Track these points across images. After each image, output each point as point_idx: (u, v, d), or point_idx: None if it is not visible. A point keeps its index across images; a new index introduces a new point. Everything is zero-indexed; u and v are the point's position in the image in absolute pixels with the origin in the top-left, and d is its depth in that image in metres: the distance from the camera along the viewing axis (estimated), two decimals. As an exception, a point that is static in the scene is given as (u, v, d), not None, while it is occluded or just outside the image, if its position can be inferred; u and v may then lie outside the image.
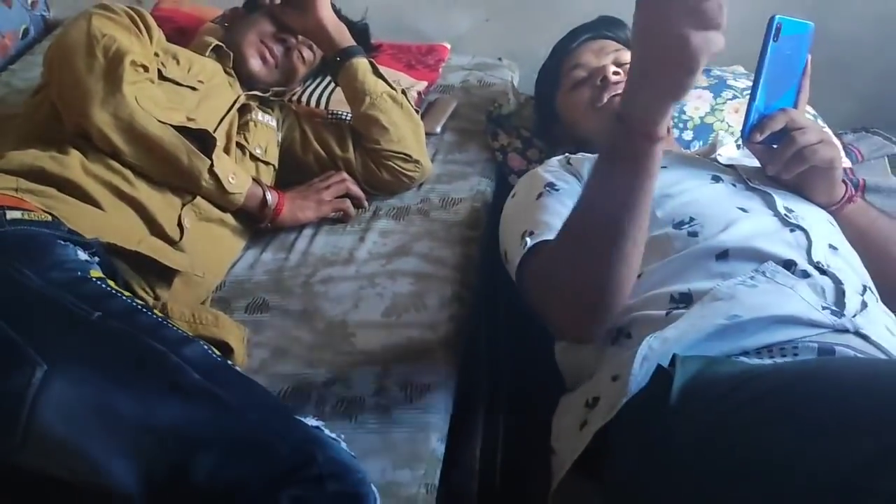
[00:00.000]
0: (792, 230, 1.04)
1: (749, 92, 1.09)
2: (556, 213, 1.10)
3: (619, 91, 1.32)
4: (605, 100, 1.33)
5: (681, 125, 1.63)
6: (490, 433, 1.18)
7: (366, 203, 1.45)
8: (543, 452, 0.99)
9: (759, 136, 1.09)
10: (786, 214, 1.07)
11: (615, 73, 1.35)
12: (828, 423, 0.67)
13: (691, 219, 1.05)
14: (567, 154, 1.28)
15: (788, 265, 0.97)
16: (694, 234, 1.03)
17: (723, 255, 0.99)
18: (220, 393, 0.85)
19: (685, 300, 0.96)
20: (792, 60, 1.08)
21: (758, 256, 0.98)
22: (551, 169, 1.24)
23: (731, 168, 1.20)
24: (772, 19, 1.04)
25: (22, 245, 0.93)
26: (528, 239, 1.06)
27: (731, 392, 0.76)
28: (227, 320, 1.14)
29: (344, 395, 1.09)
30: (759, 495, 0.69)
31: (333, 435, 0.88)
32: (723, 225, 1.03)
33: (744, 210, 1.07)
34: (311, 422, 0.89)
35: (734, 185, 1.14)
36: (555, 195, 1.15)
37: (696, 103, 1.67)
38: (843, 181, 1.16)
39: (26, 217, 0.97)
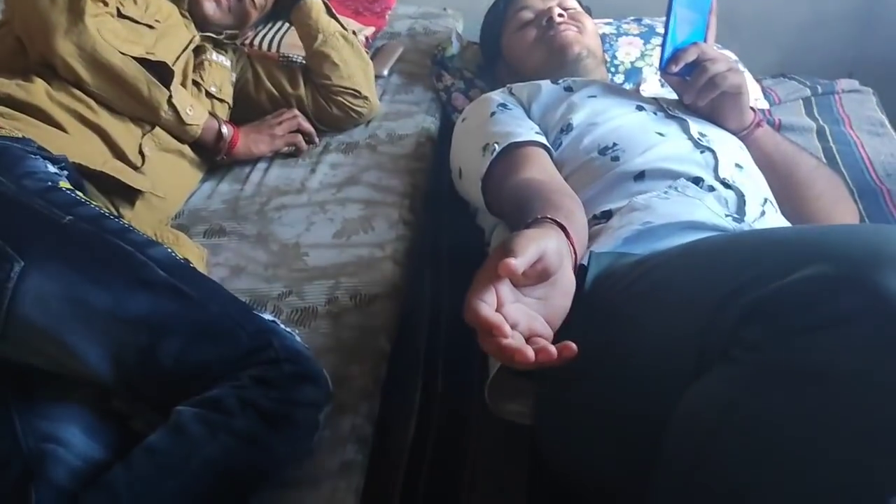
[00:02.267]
0: (702, 151, 1.15)
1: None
2: (516, 123, 1.19)
3: (564, 28, 1.44)
4: (550, 36, 1.43)
5: (612, 69, 1.74)
6: (433, 336, 1.28)
7: (316, 139, 1.54)
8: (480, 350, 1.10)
9: (675, 67, 1.21)
10: (699, 138, 1.18)
11: (560, 14, 1.46)
12: (694, 277, 0.76)
13: (614, 144, 1.15)
14: (508, 85, 1.37)
15: (697, 181, 1.08)
16: (616, 159, 1.13)
17: (640, 176, 1.10)
18: (184, 287, 0.94)
19: (606, 216, 1.06)
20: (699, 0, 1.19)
21: (670, 175, 1.09)
22: (498, 95, 1.32)
23: (654, 100, 1.31)
24: None
25: (-5, 156, 1.00)
26: (495, 145, 1.14)
27: (630, 271, 0.86)
28: (186, 240, 1.23)
29: (298, 305, 1.18)
30: (645, 355, 0.78)
31: (287, 329, 0.98)
32: (641, 149, 1.14)
33: (661, 135, 1.17)
34: (267, 316, 0.99)
35: (655, 114, 1.25)
36: (508, 112, 1.24)
37: (627, 49, 1.78)
38: (752, 108, 1.28)
39: (-2, 133, 1.04)
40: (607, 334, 0.85)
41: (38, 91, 1.18)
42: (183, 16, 1.49)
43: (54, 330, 0.90)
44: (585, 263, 0.91)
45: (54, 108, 1.19)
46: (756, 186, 1.15)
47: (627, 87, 1.70)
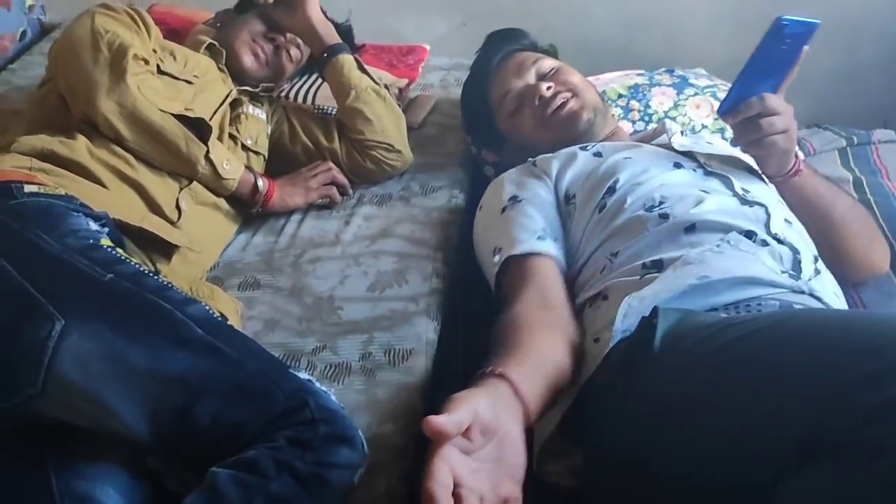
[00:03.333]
0: (751, 206, 1.14)
1: (720, 91, 1.17)
2: (521, 226, 1.20)
3: (561, 100, 1.38)
4: (551, 114, 1.39)
5: (646, 118, 1.74)
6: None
7: (350, 191, 1.55)
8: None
9: (732, 120, 1.17)
10: (743, 194, 1.17)
11: (548, 88, 1.40)
12: (798, 362, 0.73)
13: (661, 202, 1.15)
14: (530, 159, 1.36)
15: (750, 235, 1.07)
16: (664, 216, 1.12)
17: (690, 228, 1.09)
18: (222, 346, 0.94)
19: (656, 266, 1.05)
20: (786, 53, 1.12)
21: (722, 228, 1.08)
22: (513, 178, 1.32)
23: (688, 154, 1.31)
24: (777, 20, 1.07)
25: (40, 214, 1.02)
26: (497, 257, 1.17)
27: (709, 337, 0.84)
28: (222, 294, 1.24)
29: (332, 360, 1.18)
30: (735, 433, 0.74)
31: (323, 387, 0.98)
32: (690, 204, 1.13)
33: (706, 191, 1.17)
34: (303, 374, 0.99)
35: (694, 171, 1.24)
36: (517, 207, 1.24)
37: (660, 99, 1.78)
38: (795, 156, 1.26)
39: (42, 191, 1.06)
40: (683, 404, 0.82)
41: (80, 148, 1.21)
42: (220, 70, 1.52)
43: (92, 388, 0.90)
44: (654, 320, 0.90)
45: (95, 165, 1.21)
46: (805, 243, 1.14)
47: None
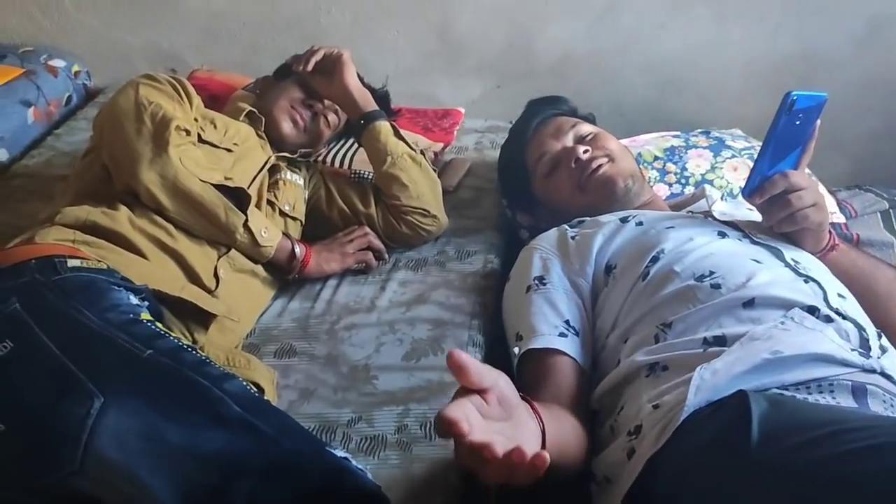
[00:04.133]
0: (806, 280, 1.12)
1: (756, 152, 1.17)
2: (543, 316, 1.20)
3: (597, 164, 1.39)
4: (587, 178, 1.39)
5: (683, 181, 1.73)
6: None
7: (386, 255, 1.55)
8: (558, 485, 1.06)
9: (758, 200, 1.19)
10: (795, 265, 1.15)
11: (585, 151, 1.41)
12: None
13: (711, 272, 1.13)
14: (567, 227, 1.35)
15: (812, 311, 1.05)
16: (717, 286, 1.10)
17: (749, 303, 1.07)
18: (258, 423, 0.94)
19: (719, 342, 1.03)
20: (800, 128, 1.14)
21: (783, 304, 1.06)
22: (546, 249, 1.30)
23: (731, 223, 1.29)
24: (787, 95, 1.09)
25: (82, 289, 1.03)
26: (517, 347, 1.17)
27: (816, 442, 0.80)
28: (258, 363, 1.23)
29: (367, 433, 1.17)
30: None
31: (360, 466, 0.97)
32: (744, 276, 1.11)
33: (757, 262, 1.15)
34: (340, 452, 0.97)
35: (740, 240, 1.23)
36: (541, 293, 1.23)
37: (697, 161, 1.77)
38: (829, 231, 1.25)
39: (85, 265, 1.07)
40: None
41: (121, 219, 1.23)
42: (259, 137, 1.54)
43: (129, 466, 0.90)
44: (746, 403, 0.87)
45: (136, 235, 1.22)
46: (864, 317, 1.11)
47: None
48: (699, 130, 1.90)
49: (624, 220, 1.31)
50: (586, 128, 1.48)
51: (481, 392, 0.73)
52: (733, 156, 1.78)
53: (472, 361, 0.71)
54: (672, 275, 1.15)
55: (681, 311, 1.10)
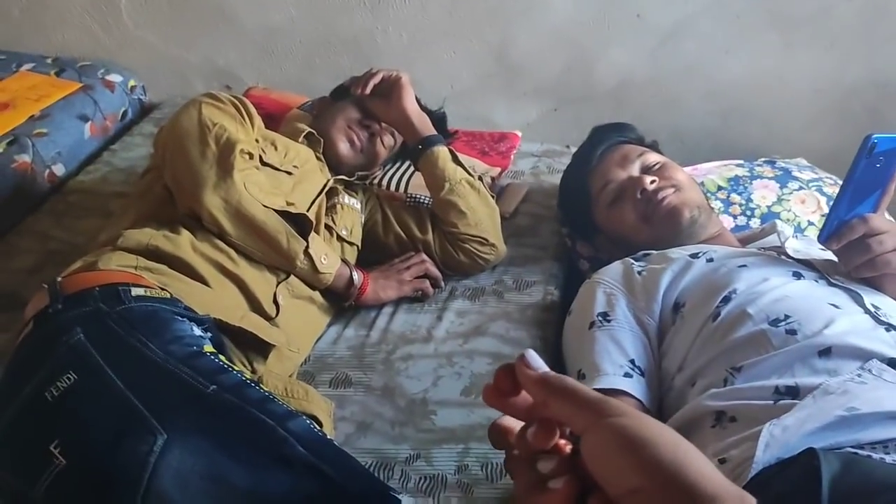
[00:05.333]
0: (887, 329, 1.06)
1: (824, 184, 1.13)
2: (607, 354, 1.16)
3: (663, 195, 1.36)
4: (653, 209, 1.36)
5: (748, 213, 1.67)
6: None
7: (443, 283, 1.52)
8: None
9: (836, 245, 1.14)
10: (875, 311, 1.10)
11: (652, 181, 1.38)
12: None
13: (787, 316, 1.08)
14: (633, 261, 1.31)
15: (893, 364, 0.99)
16: (793, 332, 1.05)
17: (825, 352, 1.02)
18: (323, 466, 0.91)
19: (791, 393, 0.98)
20: (881, 171, 1.11)
21: (861, 354, 1.00)
22: (610, 284, 1.27)
23: (807, 263, 1.24)
24: (867, 138, 1.06)
25: (146, 320, 1.01)
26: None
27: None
28: (316, 395, 1.20)
29: (426, 472, 1.14)
30: None
31: (424, 510, 0.93)
32: (821, 322, 1.06)
33: (836, 307, 1.09)
34: (406, 499, 0.94)
35: (816, 282, 1.17)
36: (606, 330, 1.20)
37: (762, 192, 1.71)
38: None
39: (148, 294, 1.05)
40: None
41: (184, 244, 1.21)
42: (318, 159, 1.52)
43: (191, 507, 0.87)
44: (816, 463, 0.82)
45: (198, 260, 1.21)
46: None
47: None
48: (763, 160, 1.84)
49: (694, 256, 1.26)
50: (653, 157, 1.45)
51: None
52: (801, 188, 1.72)
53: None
54: (745, 317, 1.11)
55: (752, 356, 1.06)
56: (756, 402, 1.00)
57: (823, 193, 1.70)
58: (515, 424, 0.59)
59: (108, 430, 0.90)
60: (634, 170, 1.43)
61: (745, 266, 1.21)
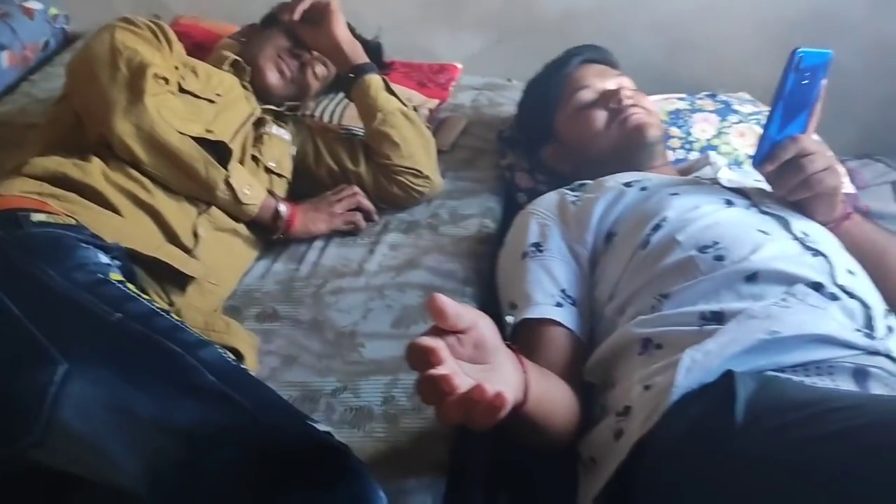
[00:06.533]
0: (814, 254, 1.06)
1: (764, 117, 1.12)
2: (538, 284, 1.16)
3: (636, 111, 1.37)
4: (622, 119, 1.37)
5: (687, 146, 1.66)
6: (499, 444, 1.19)
7: (376, 217, 1.48)
8: (556, 461, 1.01)
9: (770, 166, 1.13)
10: (803, 238, 1.09)
11: (628, 97, 1.39)
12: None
13: (715, 242, 1.07)
14: (567, 191, 1.30)
15: (817, 287, 0.99)
16: (720, 258, 1.05)
17: (752, 277, 1.01)
18: (235, 395, 0.87)
19: (717, 318, 0.98)
20: (808, 88, 1.10)
21: (786, 279, 1.00)
22: (544, 214, 1.26)
23: (739, 191, 1.23)
24: (794, 52, 1.05)
25: (47, 246, 0.95)
26: (511, 316, 1.13)
27: (802, 423, 0.77)
28: (238, 328, 1.17)
29: (352, 403, 1.11)
30: None
31: (341, 441, 0.91)
32: (748, 248, 1.05)
33: (764, 233, 1.09)
34: (322, 427, 0.91)
35: (747, 209, 1.17)
36: (538, 260, 1.19)
37: (702, 126, 1.70)
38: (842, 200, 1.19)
39: (51, 220, 1.00)
40: (766, 492, 0.75)
41: (94, 171, 1.15)
42: (244, 87, 1.46)
43: (94, 438, 0.84)
44: (732, 384, 0.84)
45: (109, 189, 1.15)
46: (873, 295, 1.05)
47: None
48: (705, 93, 1.81)
49: (628, 185, 1.25)
50: (629, 82, 1.46)
51: (457, 332, 0.70)
52: (740, 121, 1.70)
53: (452, 303, 0.68)
54: (674, 244, 1.10)
55: (680, 282, 1.05)
56: (681, 328, 1.00)
57: (762, 126, 1.68)
58: (434, 344, 0.66)
59: (4, 361, 0.86)
60: (612, 84, 1.43)
61: (676, 194, 1.20)
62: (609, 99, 1.39)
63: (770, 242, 1.07)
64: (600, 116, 1.39)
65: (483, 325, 0.73)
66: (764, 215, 1.15)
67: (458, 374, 0.66)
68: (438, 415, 0.65)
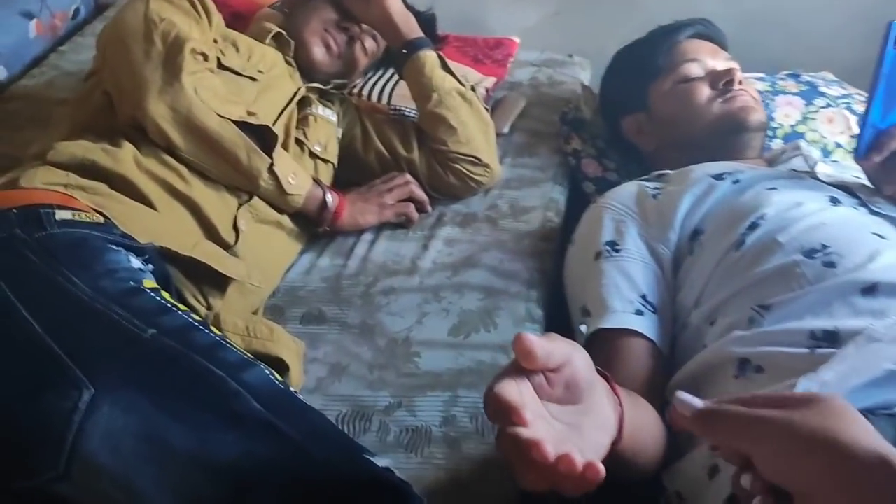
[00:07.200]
0: None
1: (854, 101, 1.00)
2: (616, 289, 1.04)
3: (745, 94, 1.27)
4: (729, 98, 1.27)
5: (769, 132, 1.51)
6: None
7: (429, 207, 1.35)
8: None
9: (878, 157, 1.01)
10: None
11: (740, 81, 1.29)
12: None
13: (824, 246, 0.94)
14: (646, 183, 1.18)
15: None
16: (831, 265, 0.92)
17: (870, 289, 0.88)
18: (282, 425, 0.77)
19: (829, 339, 0.85)
20: None
21: None
22: (620, 209, 1.14)
23: (842, 187, 1.09)
24: (890, 25, 0.95)
25: (72, 249, 0.85)
26: (584, 324, 1.03)
27: None
28: (282, 334, 1.05)
29: (408, 423, 1.01)
30: None
31: (402, 478, 0.80)
32: (865, 255, 0.92)
33: (880, 237, 0.96)
34: (380, 461, 0.80)
35: (856, 209, 1.04)
36: (614, 261, 1.08)
37: (785, 110, 1.54)
38: None
39: (77, 217, 0.89)
40: None
41: (125, 158, 1.04)
42: (288, 64, 1.34)
43: (124, 474, 0.74)
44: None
45: (142, 179, 1.04)
46: None
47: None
48: (786, 73, 1.66)
49: (718, 177, 1.12)
50: (738, 68, 1.33)
51: (547, 371, 0.61)
52: (828, 105, 1.55)
53: (541, 343, 0.58)
54: (774, 246, 0.97)
55: (783, 292, 0.92)
56: (788, 350, 0.87)
57: (854, 112, 1.53)
58: (519, 399, 0.56)
59: (23, 383, 0.76)
60: (723, 66, 1.31)
61: (774, 189, 1.07)
62: (719, 78, 1.28)
63: (889, 249, 0.94)
64: (704, 92, 1.28)
65: (577, 362, 0.62)
66: (876, 216, 1.02)
67: (548, 437, 0.55)
68: (520, 480, 0.56)
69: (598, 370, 0.70)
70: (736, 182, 1.10)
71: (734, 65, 1.32)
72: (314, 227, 1.25)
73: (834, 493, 0.48)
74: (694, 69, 1.30)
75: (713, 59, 1.32)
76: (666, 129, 1.32)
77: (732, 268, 1.00)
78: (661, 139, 1.33)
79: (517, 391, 0.57)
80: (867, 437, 0.49)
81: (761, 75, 1.64)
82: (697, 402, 0.54)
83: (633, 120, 1.38)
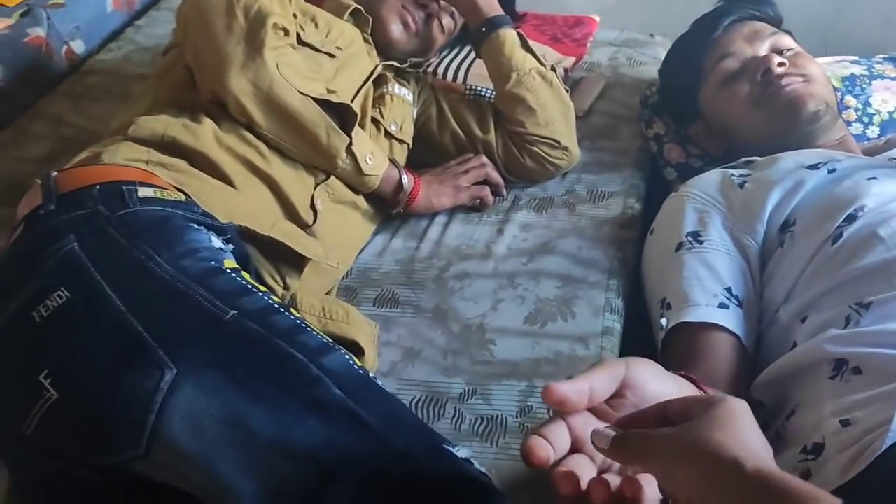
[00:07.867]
0: None
1: None
2: (698, 281, 1.00)
3: (789, 81, 1.17)
4: (771, 93, 1.18)
5: (865, 119, 1.43)
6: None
7: (505, 191, 1.32)
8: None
9: None
10: None
11: (780, 64, 1.19)
12: None
13: None
14: (732, 170, 1.12)
15: None
16: None
17: None
18: (363, 414, 0.75)
19: None
20: None
21: None
22: (703, 198, 1.09)
23: None
24: None
25: (154, 227, 0.84)
26: (664, 318, 0.99)
27: None
28: (358, 316, 1.04)
29: (483, 412, 0.98)
30: None
31: (482, 469, 0.77)
32: None
33: None
34: (461, 452, 0.78)
35: None
36: (696, 253, 1.03)
37: (883, 95, 1.47)
38: None
39: (159, 195, 0.88)
40: None
41: (206, 134, 1.02)
42: (366, 41, 1.31)
43: (205, 457, 0.72)
44: None
45: (222, 156, 1.02)
46: None
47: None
48: (882, 56, 1.57)
49: (813, 167, 1.06)
50: (787, 41, 1.25)
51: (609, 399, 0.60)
52: (929, 91, 1.46)
53: (572, 387, 0.58)
54: (874, 240, 0.93)
55: (883, 289, 0.88)
56: (889, 352, 0.83)
57: (957, 99, 1.44)
58: (546, 456, 0.55)
59: (105, 361, 0.75)
60: (763, 49, 1.23)
61: (874, 179, 1.01)
62: (756, 69, 1.20)
63: None
64: (745, 93, 1.21)
65: (638, 375, 0.61)
66: None
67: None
68: None
69: (682, 374, 0.67)
70: (832, 171, 1.05)
71: (781, 40, 1.24)
72: (388, 208, 1.23)
73: (701, 499, 0.50)
74: (729, 65, 1.23)
75: (750, 46, 1.24)
76: (725, 136, 1.27)
77: (828, 262, 0.95)
78: (727, 143, 1.28)
79: (546, 449, 0.55)
80: (732, 442, 0.50)
81: (856, 58, 1.56)
82: (609, 433, 0.55)
83: (695, 129, 1.34)
